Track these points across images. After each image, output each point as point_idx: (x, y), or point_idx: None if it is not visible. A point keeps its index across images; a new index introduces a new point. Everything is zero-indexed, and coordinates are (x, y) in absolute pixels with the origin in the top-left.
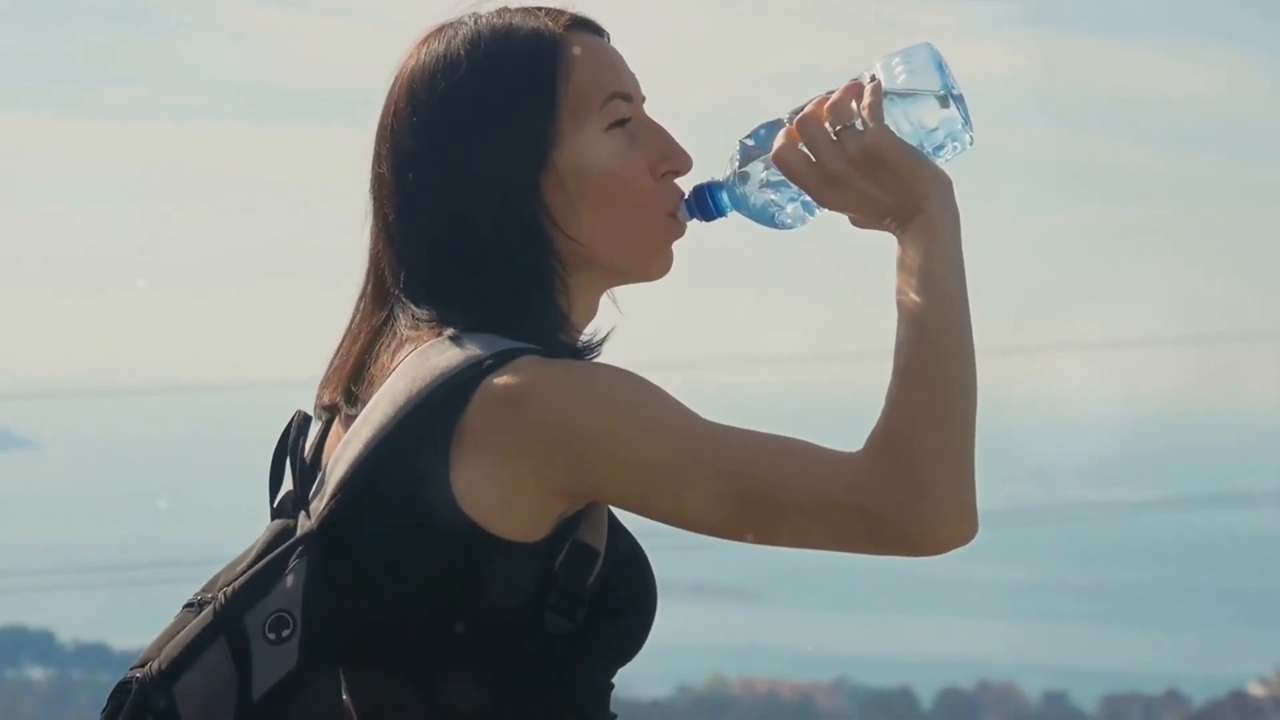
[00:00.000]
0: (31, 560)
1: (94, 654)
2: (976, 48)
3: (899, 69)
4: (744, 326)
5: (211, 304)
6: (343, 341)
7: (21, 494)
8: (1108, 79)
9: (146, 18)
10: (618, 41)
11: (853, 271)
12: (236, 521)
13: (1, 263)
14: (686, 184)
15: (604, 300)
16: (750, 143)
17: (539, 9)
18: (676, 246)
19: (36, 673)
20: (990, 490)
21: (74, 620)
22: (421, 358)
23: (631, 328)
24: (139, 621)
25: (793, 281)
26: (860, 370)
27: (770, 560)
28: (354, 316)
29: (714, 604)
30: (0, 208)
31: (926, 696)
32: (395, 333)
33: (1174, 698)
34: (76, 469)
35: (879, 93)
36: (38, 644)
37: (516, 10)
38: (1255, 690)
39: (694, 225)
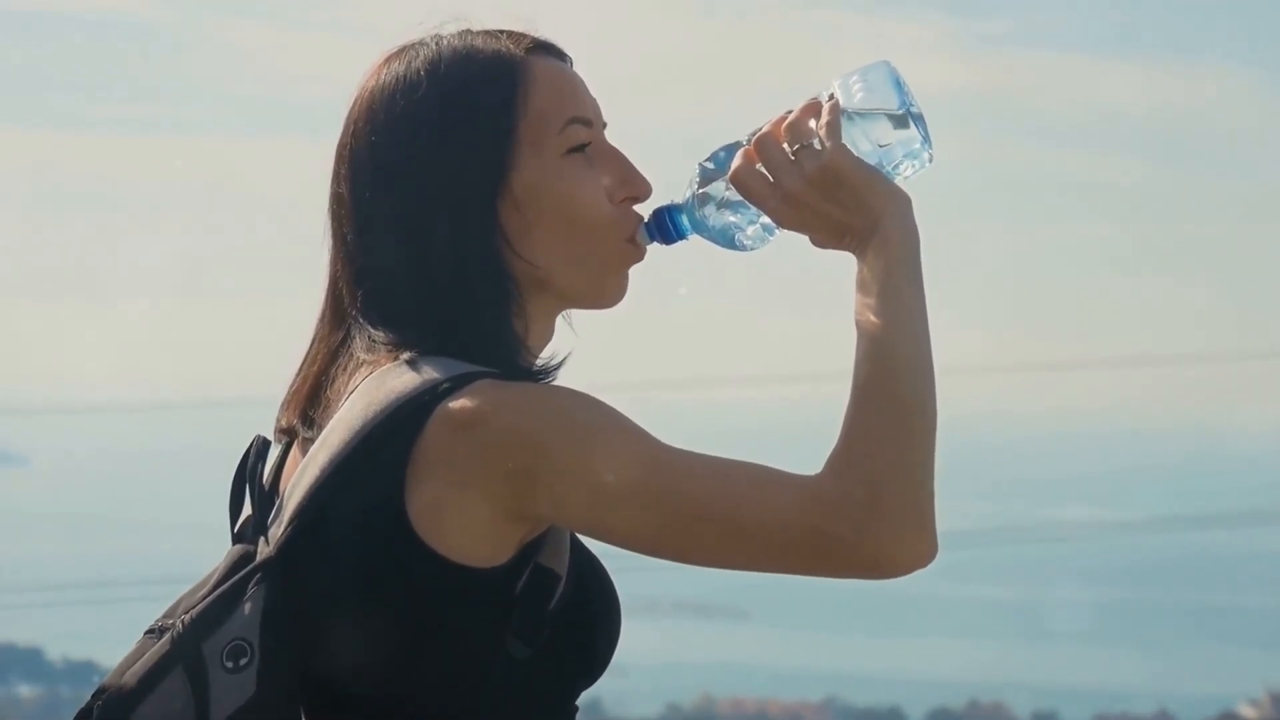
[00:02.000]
0: (20, 577)
1: (83, 671)
2: (965, 64)
3: (857, 87)
4: (714, 345)
5: (202, 319)
6: (302, 363)
7: (10, 510)
8: (1096, 95)
9: (133, 32)
10: (599, 62)
11: (822, 290)
12: (227, 539)
13: None
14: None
15: (561, 323)
16: (710, 165)
17: (501, 32)
18: (641, 269)
19: (25, 690)
20: (979, 509)
21: (63, 637)
22: (377, 382)
23: (597, 349)
24: (128, 638)
25: (762, 299)
26: (829, 390)
27: (759, 578)
28: (313, 338)
29: (702, 623)
30: None
31: (916, 716)
32: (351, 355)
33: (1164, 718)
34: (66, 485)
35: (836, 111)
36: (26, 661)
37: (479, 33)
38: (1245, 711)
39: (654, 248)
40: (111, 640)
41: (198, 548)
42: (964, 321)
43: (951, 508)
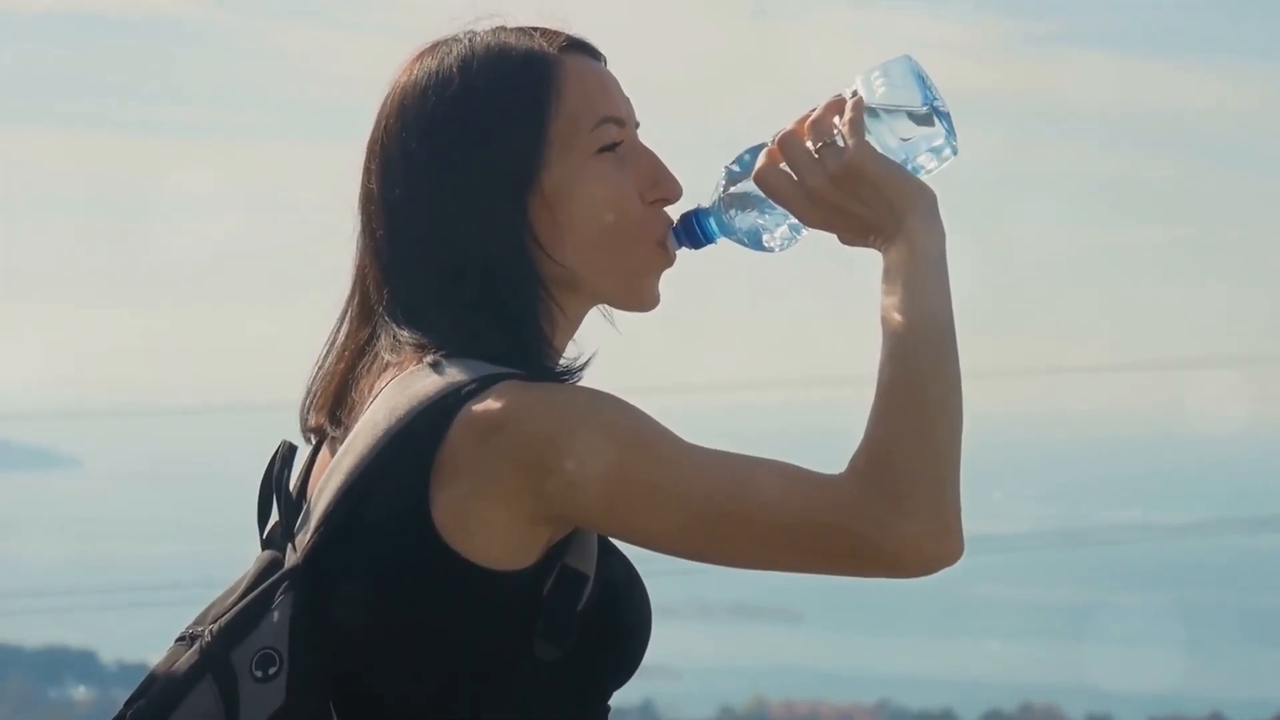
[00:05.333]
0: (73, 579)
1: (136, 674)
2: (1011, 64)
3: (879, 83)
4: (741, 348)
5: (252, 321)
6: (327, 359)
7: (63, 513)
8: (1141, 96)
9: (182, 35)
10: (646, 62)
11: (854, 291)
12: None
13: (42, 280)
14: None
15: (597, 319)
16: (736, 168)
17: (534, 29)
18: (673, 272)
19: (79, 692)
20: (1032, 511)
21: (116, 639)
22: (401, 385)
23: (622, 350)
24: None
25: (794, 302)
26: (859, 392)
27: (811, 580)
28: (338, 333)
29: (755, 625)
30: (39, 224)
31: (969, 718)
32: (377, 354)
33: None
34: (118, 488)
35: (859, 108)
36: (80, 663)
37: (512, 30)
38: None
39: (685, 252)
40: (165, 643)
41: (251, 551)
42: (1020, 324)
43: (1005, 510)
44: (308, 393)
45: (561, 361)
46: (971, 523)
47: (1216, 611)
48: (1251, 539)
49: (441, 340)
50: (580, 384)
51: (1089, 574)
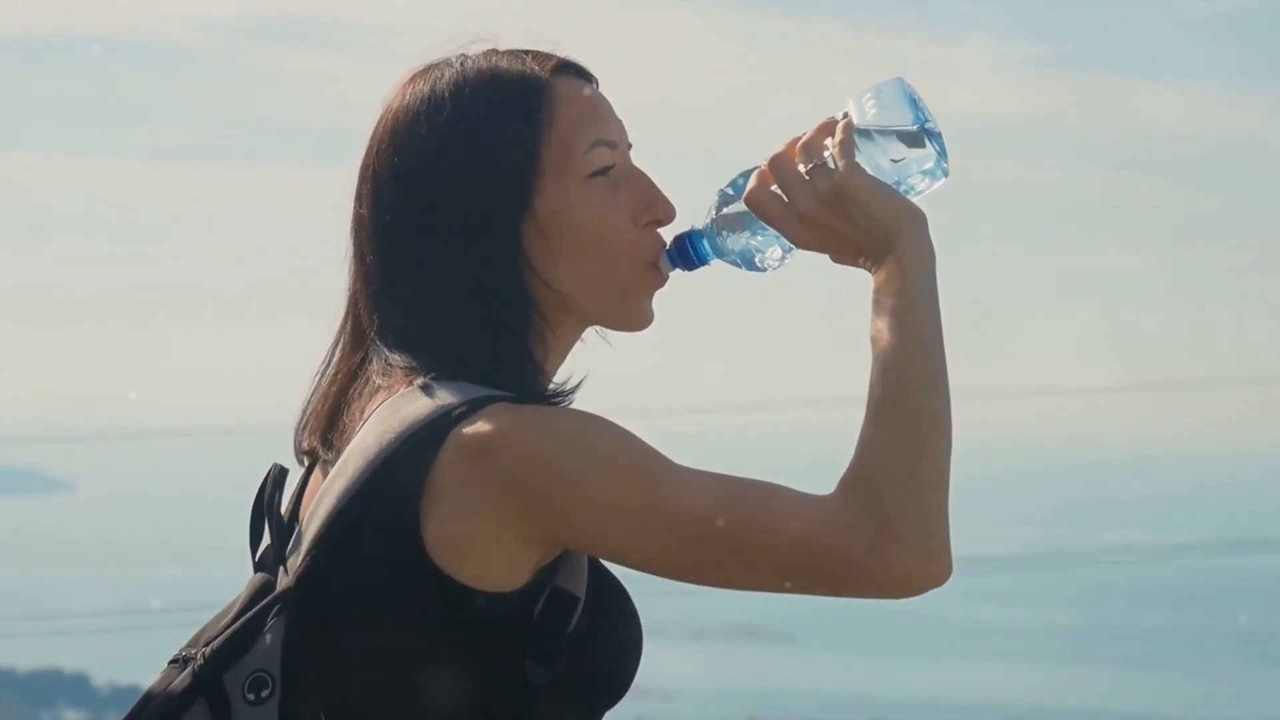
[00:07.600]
0: (66, 603)
1: (129, 697)
2: (1014, 89)
3: (870, 105)
4: (735, 369)
5: (246, 344)
6: (319, 382)
7: (56, 536)
8: (1137, 119)
9: (177, 58)
10: (638, 84)
11: (847, 312)
12: None
13: (35, 303)
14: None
15: (592, 339)
16: (730, 191)
17: (526, 52)
18: (663, 294)
19: (71, 716)
20: (1028, 533)
21: (109, 663)
22: (392, 408)
23: (616, 372)
24: None
25: (785, 323)
26: (851, 414)
27: (805, 601)
28: (331, 357)
29: (749, 646)
30: (31, 246)
31: None
32: (369, 378)
33: None
34: (111, 511)
35: (850, 130)
36: (72, 687)
37: (504, 53)
38: None
39: (677, 274)
40: (158, 666)
41: (244, 574)
42: (1016, 346)
43: (1001, 532)
44: (302, 416)
45: (552, 384)
46: (966, 544)
47: (1212, 633)
48: (1247, 560)
49: (432, 364)
50: (571, 406)
51: (1084, 596)
